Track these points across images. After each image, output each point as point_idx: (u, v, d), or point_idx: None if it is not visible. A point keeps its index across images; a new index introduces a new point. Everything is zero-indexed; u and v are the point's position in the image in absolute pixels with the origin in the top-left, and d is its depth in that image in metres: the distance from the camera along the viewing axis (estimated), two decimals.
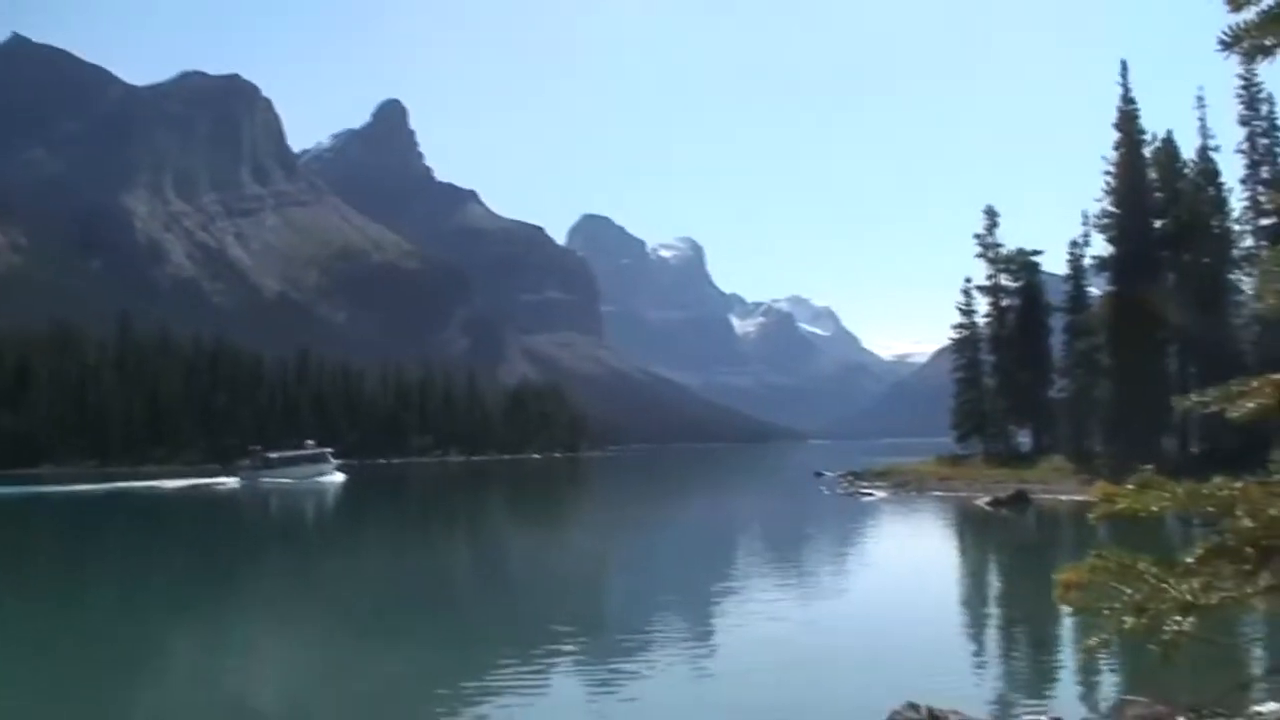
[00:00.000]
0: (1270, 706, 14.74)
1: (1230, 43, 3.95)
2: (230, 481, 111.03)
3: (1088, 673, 20.35)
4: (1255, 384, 4.03)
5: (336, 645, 24.20)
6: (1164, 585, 3.49)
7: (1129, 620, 3.50)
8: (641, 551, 47.95)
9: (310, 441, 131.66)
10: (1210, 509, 3.75)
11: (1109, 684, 18.64)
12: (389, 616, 28.31)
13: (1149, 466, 4.29)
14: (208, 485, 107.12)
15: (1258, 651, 20.68)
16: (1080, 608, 3.75)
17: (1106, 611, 3.56)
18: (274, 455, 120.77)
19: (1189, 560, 3.61)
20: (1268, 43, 3.90)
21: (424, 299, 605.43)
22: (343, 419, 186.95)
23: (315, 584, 37.07)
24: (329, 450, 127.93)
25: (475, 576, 39.87)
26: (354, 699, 18.61)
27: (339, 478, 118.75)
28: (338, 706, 18.34)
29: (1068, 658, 21.98)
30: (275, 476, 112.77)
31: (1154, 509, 3.86)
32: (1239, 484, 3.76)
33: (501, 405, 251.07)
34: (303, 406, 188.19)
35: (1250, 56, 3.99)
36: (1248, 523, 3.44)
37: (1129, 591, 3.54)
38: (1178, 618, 3.41)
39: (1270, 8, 3.86)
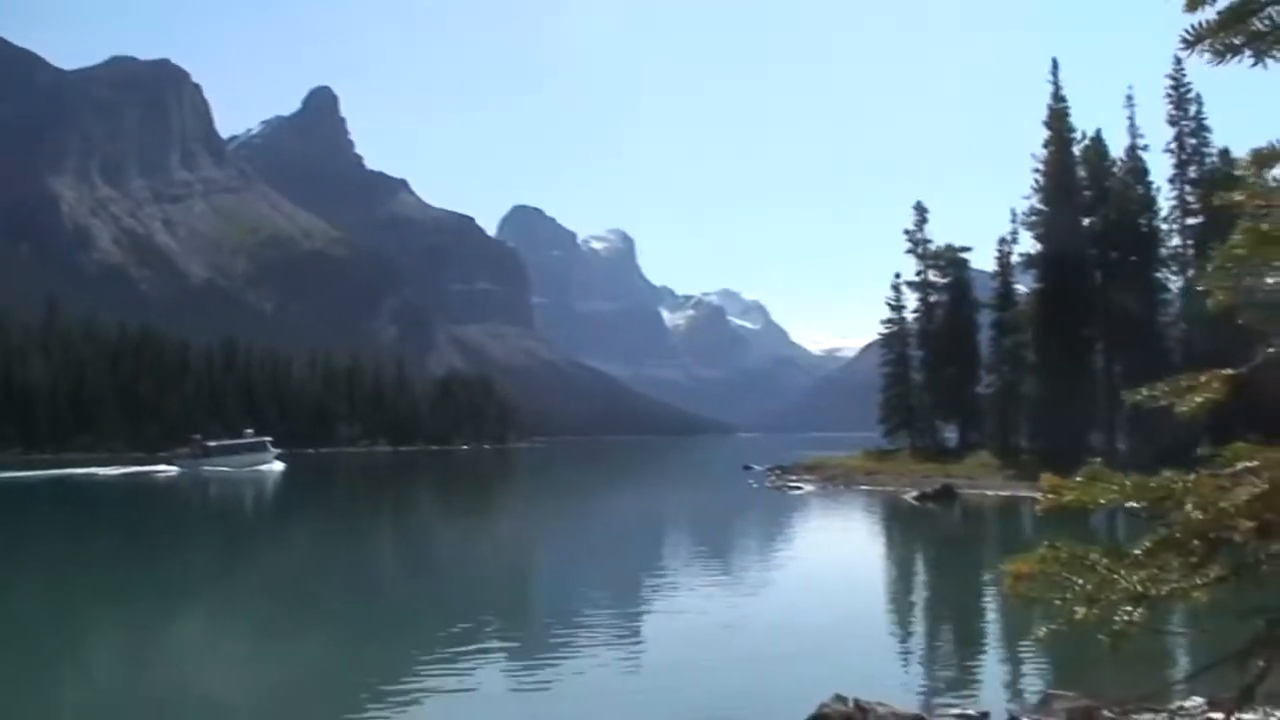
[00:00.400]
0: (1194, 701, 14.60)
1: (1192, 42, 3.89)
2: (170, 470, 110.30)
3: (1014, 666, 20.37)
4: (1204, 378, 4.09)
5: (262, 636, 23.78)
6: (1115, 576, 3.44)
7: (1080, 611, 3.43)
8: (568, 545, 47.48)
9: (249, 430, 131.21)
10: (1157, 501, 3.72)
11: (1035, 678, 18.65)
12: (319, 607, 27.92)
13: (1097, 459, 4.29)
14: (147, 473, 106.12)
15: (1187, 647, 20.62)
16: (1030, 598, 3.68)
17: (1058, 602, 3.50)
18: (213, 444, 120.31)
19: (1137, 552, 3.59)
20: (1235, 41, 3.85)
21: (353, 288, 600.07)
22: (270, 408, 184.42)
23: (247, 574, 36.66)
24: (269, 439, 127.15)
25: (405, 568, 39.34)
26: (279, 690, 18.23)
27: (278, 467, 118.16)
28: (259, 698, 17.90)
29: (994, 651, 22.19)
30: (215, 465, 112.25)
31: (1101, 501, 3.85)
32: (1189, 476, 3.69)
33: (430, 395, 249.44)
34: (229, 395, 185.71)
35: (1219, 56, 3.91)
36: (1198, 515, 3.40)
37: (1080, 582, 3.49)
38: (1128, 608, 3.37)
39: (1229, 7, 3.82)
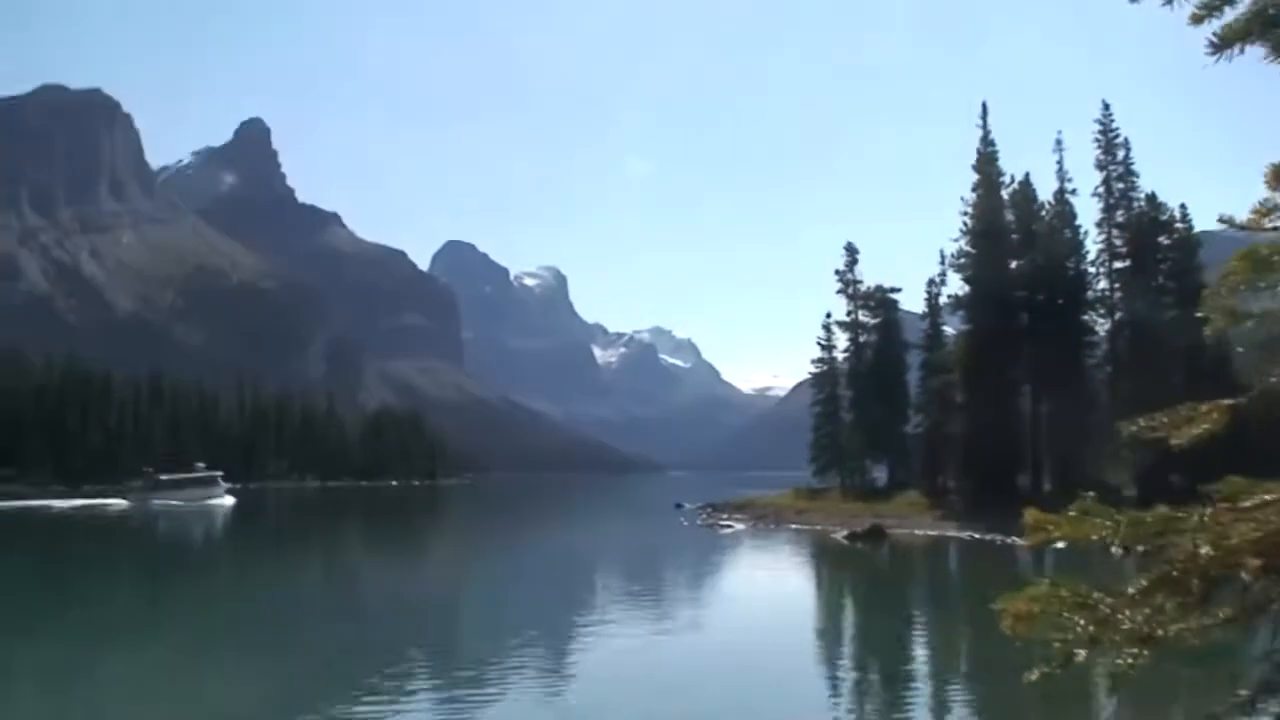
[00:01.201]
0: None
1: (1219, 45, 3.79)
2: (120, 503, 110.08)
3: (942, 707, 20.36)
4: (1204, 409, 3.94)
5: (189, 673, 23.23)
6: (1119, 616, 3.32)
7: (1081, 653, 3.31)
8: (497, 583, 46.93)
9: (200, 465, 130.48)
10: (1153, 538, 3.57)
11: (962, 718, 19.08)
12: (252, 645, 27.43)
13: (1090, 497, 3.94)
14: (99, 505, 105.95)
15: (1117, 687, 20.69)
16: (1028, 639, 3.51)
17: (1058, 644, 3.37)
18: (164, 477, 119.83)
19: (1132, 591, 3.43)
20: (1263, 46, 3.83)
21: (282, 321, 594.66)
22: (196, 441, 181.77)
23: (183, 610, 35.60)
24: (219, 474, 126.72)
25: (342, 605, 38.64)
26: None
27: (229, 501, 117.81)
28: None
29: (924, 691, 22.06)
30: (165, 499, 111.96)
31: (1093, 538, 3.68)
32: (1192, 512, 3.54)
33: (359, 431, 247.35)
34: (156, 428, 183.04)
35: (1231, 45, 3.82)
36: (1208, 551, 3.24)
37: (1081, 622, 3.36)
38: (1133, 650, 3.24)
39: (1246, 10, 3.77)
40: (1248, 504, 3.33)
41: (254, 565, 56.10)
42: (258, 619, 33.00)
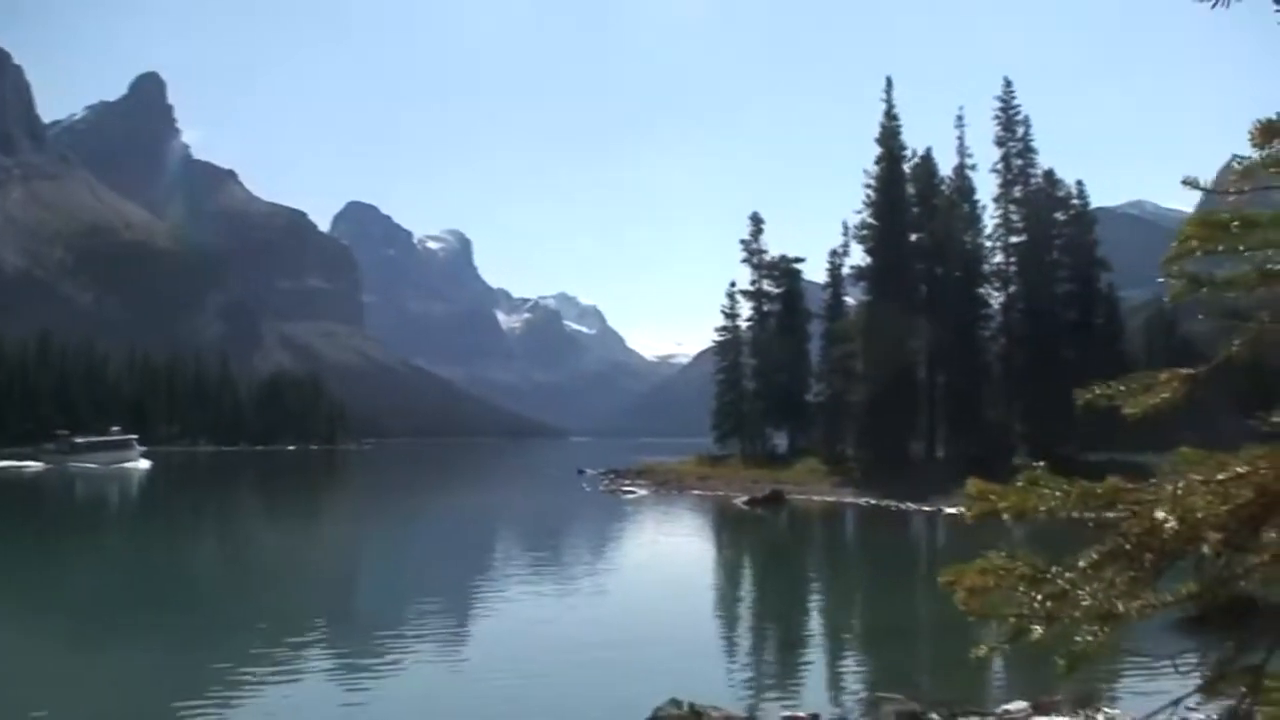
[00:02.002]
0: (1017, 705, 15.38)
1: None
2: (35, 465, 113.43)
3: (841, 669, 20.73)
4: (1163, 377, 3.84)
5: (75, 641, 22.70)
6: (1079, 592, 3.30)
7: (1038, 629, 3.30)
8: (397, 549, 46.74)
9: (115, 428, 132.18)
10: (1104, 509, 3.58)
11: (862, 681, 19.10)
12: (147, 609, 26.80)
13: (1040, 467, 3.90)
14: (14, 468, 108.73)
15: (1012, 654, 21.60)
16: (983, 614, 3.52)
17: (1014, 619, 3.38)
18: (80, 440, 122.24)
19: (1082, 565, 3.40)
20: None
21: (177, 282, 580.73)
22: (85, 404, 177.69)
23: (77, 574, 34.74)
24: (134, 437, 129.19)
25: (239, 570, 38.23)
26: (89, 695, 17.43)
27: (144, 464, 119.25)
28: (66, 705, 16.76)
29: (821, 654, 22.31)
30: (81, 461, 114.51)
31: (1041, 508, 3.66)
32: (1149, 483, 3.54)
33: (256, 394, 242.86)
34: (43, 390, 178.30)
35: None
36: (1172, 524, 3.21)
37: (1039, 598, 3.35)
38: (1094, 628, 3.22)
39: None
40: (1221, 476, 3.30)
41: (158, 529, 55.41)
42: (157, 583, 32.49)
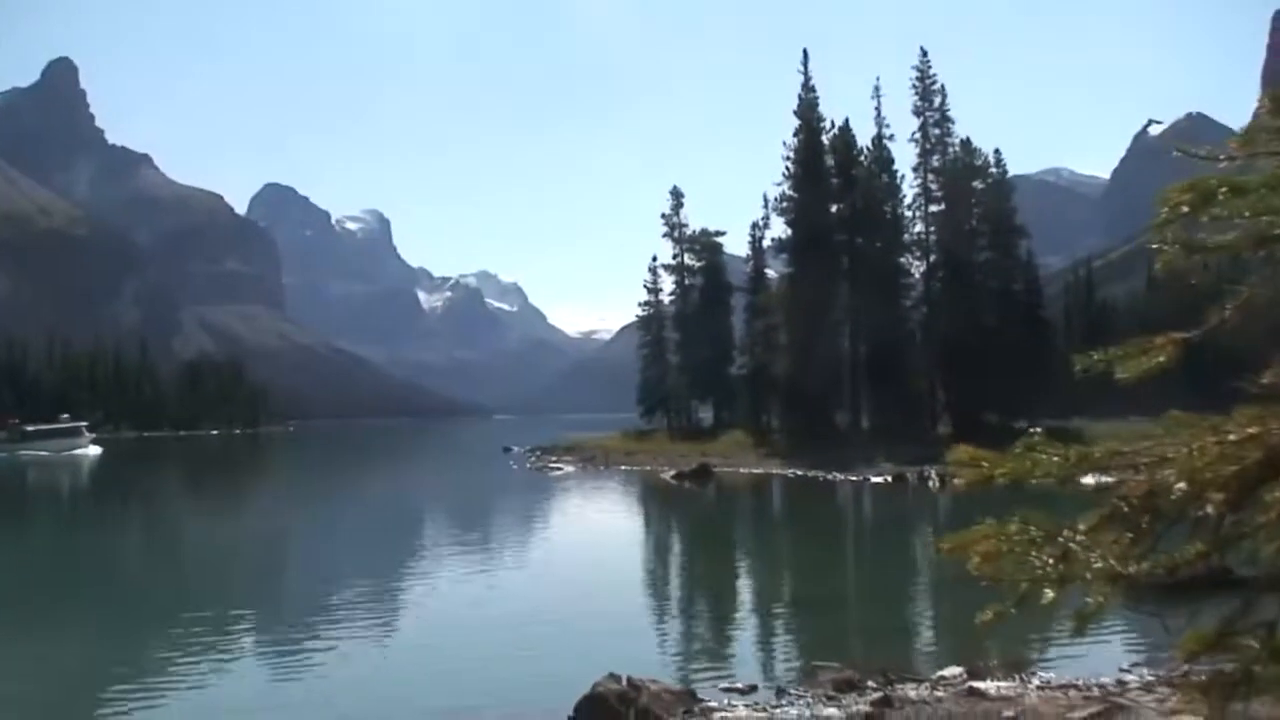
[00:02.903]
0: (952, 670, 15.09)
1: None
2: None
3: (776, 640, 20.71)
4: (1158, 341, 3.64)
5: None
6: (1089, 555, 3.14)
7: (1050, 592, 3.20)
8: (325, 532, 45.93)
9: (65, 415, 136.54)
10: (1108, 471, 3.38)
11: (797, 650, 19.08)
12: (74, 595, 26.32)
13: (1038, 434, 3.68)
14: None
15: (935, 619, 21.40)
16: (996, 577, 3.33)
17: (1026, 583, 3.23)
18: (30, 428, 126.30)
19: (1081, 527, 3.24)
20: None
21: (93, 268, 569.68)
22: (6, 394, 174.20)
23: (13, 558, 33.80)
24: (84, 424, 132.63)
25: (166, 554, 37.42)
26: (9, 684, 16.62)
27: (94, 451, 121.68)
28: None
29: (756, 626, 22.32)
30: (33, 448, 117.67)
31: (1038, 475, 3.40)
32: (1142, 445, 3.34)
33: (177, 379, 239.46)
34: None
35: None
36: (1182, 485, 3.01)
37: (1050, 561, 3.19)
38: (1104, 589, 3.13)
39: None
40: (1234, 437, 3.17)
41: (105, 514, 55.38)
42: (91, 569, 31.64)
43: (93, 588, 28.20)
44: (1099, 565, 3.10)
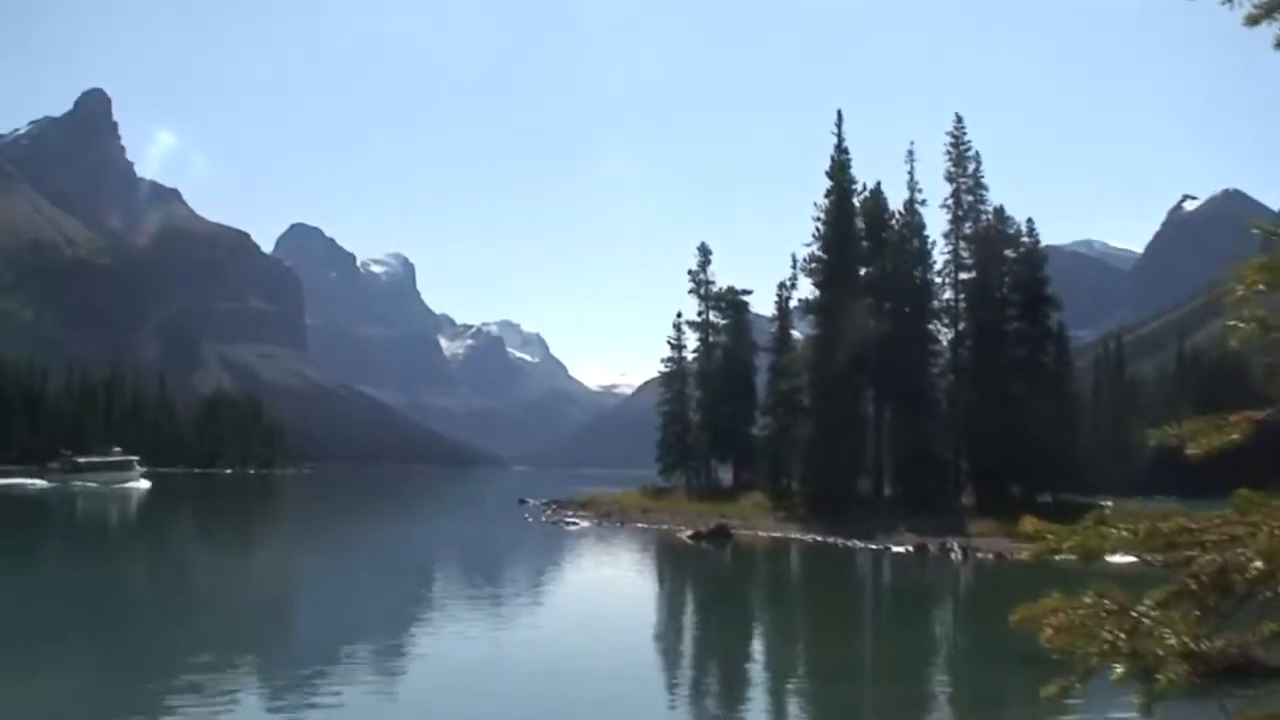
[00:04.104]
0: None
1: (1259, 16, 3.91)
2: (40, 483, 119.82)
3: (787, 710, 20.37)
4: (1232, 419, 3.59)
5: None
6: (1163, 631, 3.06)
7: (1120, 669, 3.11)
8: (337, 580, 45.70)
9: (117, 449, 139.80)
10: (1172, 549, 3.27)
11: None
12: (83, 632, 25.70)
13: (1109, 507, 4.07)
14: (20, 485, 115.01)
15: (969, 687, 21.00)
16: (1066, 650, 3.21)
17: (1096, 656, 3.15)
18: (82, 460, 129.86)
19: (1149, 604, 3.14)
20: None
21: (117, 300, 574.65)
22: (23, 421, 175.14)
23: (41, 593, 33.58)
24: (135, 458, 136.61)
25: (180, 594, 37.09)
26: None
27: (144, 485, 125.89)
28: None
29: (767, 694, 22.02)
30: (84, 480, 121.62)
31: (1107, 548, 3.33)
32: (1204, 522, 3.26)
33: (194, 415, 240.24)
34: None
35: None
36: (1259, 564, 2.95)
37: (1123, 636, 3.11)
38: (1178, 667, 3.01)
39: None
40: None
41: (143, 550, 54.95)
42: (112, 604, 31.54)
43: (102, 626, 28.13)
44: (1171, 642, 3.03)
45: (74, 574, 42.14)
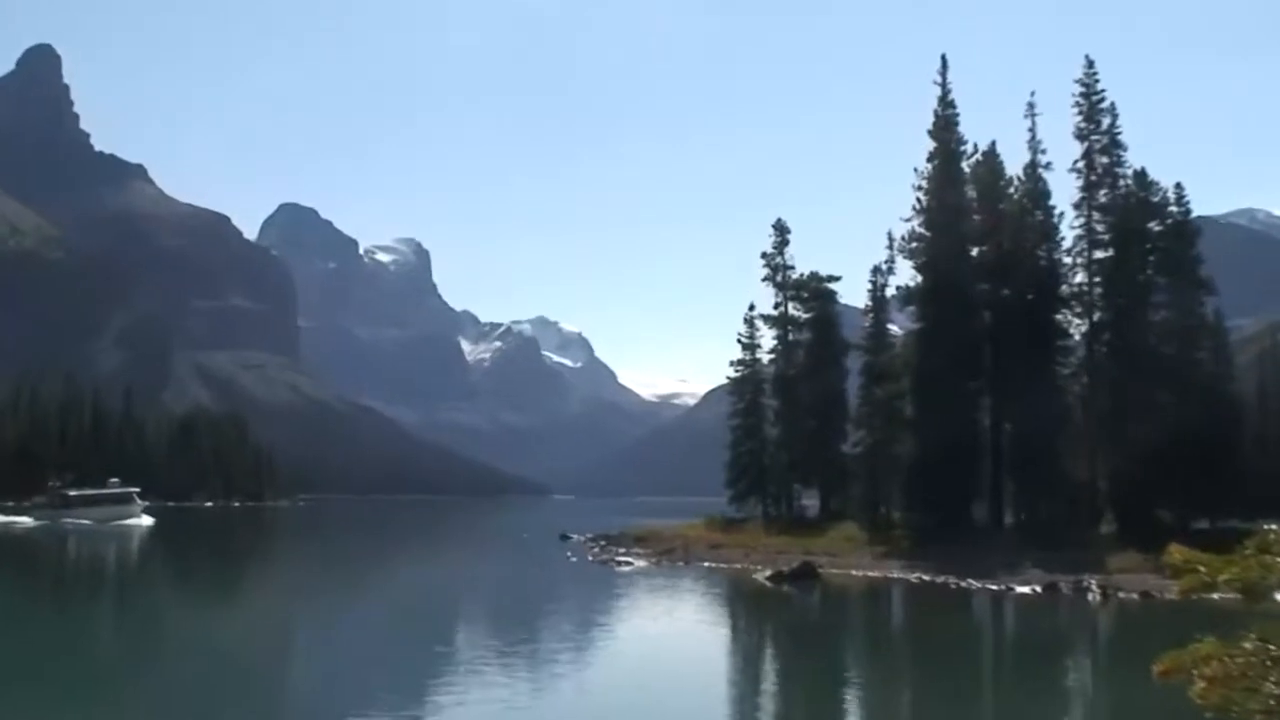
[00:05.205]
0: None
1: None
2: (27, 521, 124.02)
3: None
4: None
5: None
6: None
7: None
8: (350, 634, 46.24)
9: (114, 479, 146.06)
10: None
11: None
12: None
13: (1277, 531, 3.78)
14: (4, 524, 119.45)
15: None
16: (1221, 707, 3.54)
17: (1260, 716, 3.45)
18: (74, 494, 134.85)
19: None
20: None
21: (71, 300, 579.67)
22: None
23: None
24: (136, 490, 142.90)
25: (187, 650, 37.86)
26: None
27: (146, 521, 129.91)
28: None
29: None
30: (76, 517, 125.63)
31: (1273, 582, 3.71)
32: None
33: (167, 438, 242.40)
34: None
35: None
36: None
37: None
38: None
39: None
40: None
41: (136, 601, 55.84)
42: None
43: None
44: None
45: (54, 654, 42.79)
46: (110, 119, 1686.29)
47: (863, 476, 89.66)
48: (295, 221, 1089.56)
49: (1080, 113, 78.34)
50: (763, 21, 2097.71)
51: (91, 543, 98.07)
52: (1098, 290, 78.47)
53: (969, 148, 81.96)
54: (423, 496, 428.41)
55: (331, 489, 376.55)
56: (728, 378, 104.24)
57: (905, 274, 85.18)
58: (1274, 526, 3.65)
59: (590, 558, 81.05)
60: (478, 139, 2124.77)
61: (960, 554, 63.81)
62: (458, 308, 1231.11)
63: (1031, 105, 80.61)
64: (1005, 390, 77.97)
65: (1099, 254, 78.34)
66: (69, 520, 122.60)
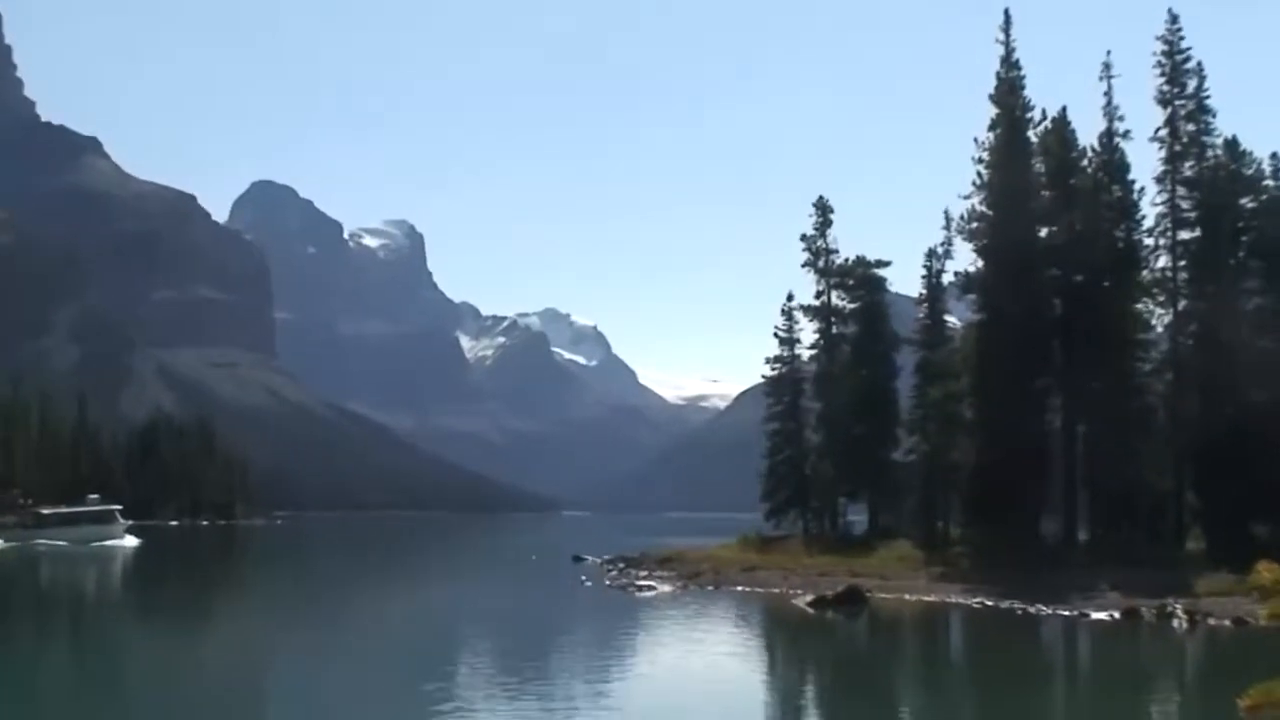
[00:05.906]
0: None
1: None
2: None
3: None
4: None
5: None
6: None
7: None
8: (339, 673, 46.51)
9: (93, 496, 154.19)
10: None
11: None
12: None
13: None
14: None
15: None
16: None
17: None
18: (47, 512, 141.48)
19: None
20: None
21: (16, 291, 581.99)
22: None
23: None
24: (117, 508, 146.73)
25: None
26: None
27: (130, 541, 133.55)
28: None
29: None
30: (50, 538, 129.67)
31: None
32: None
33: (124, 448, 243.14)
34: None
35: None
36: None
37: None
38: None
39: None
40: None
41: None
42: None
43: None
44: None
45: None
46: (59, 85, 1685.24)
47: (916, 488, 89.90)
48: (270, 200, 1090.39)
49: (1162, 74, 78.07)
50: None
51: (68, 566, 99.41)
52: (1183, 275, 78.38)
53: (1036, 115, 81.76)
54: (417, 514, 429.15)
55: (312, 505, 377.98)
56: (763, 377, 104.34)
57: (964, 258, 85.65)
58: None
59: (607, 582, 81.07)
60: (477, 108, 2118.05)
61: (1028, 575, 63.97)
62: (456, 299, 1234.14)
63: (1107, 66, 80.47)
64: (1078, 389, 77.98)
65: (1184, 234, 78.16)
66: (43, 541, 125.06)
